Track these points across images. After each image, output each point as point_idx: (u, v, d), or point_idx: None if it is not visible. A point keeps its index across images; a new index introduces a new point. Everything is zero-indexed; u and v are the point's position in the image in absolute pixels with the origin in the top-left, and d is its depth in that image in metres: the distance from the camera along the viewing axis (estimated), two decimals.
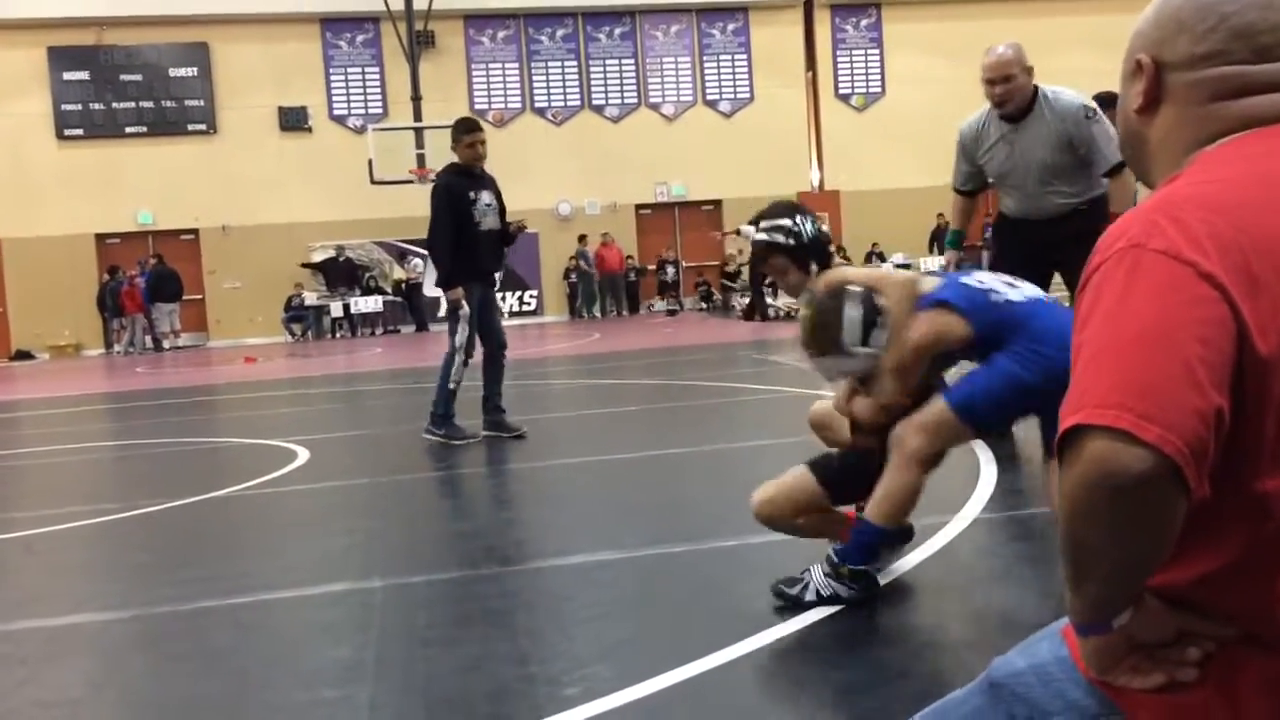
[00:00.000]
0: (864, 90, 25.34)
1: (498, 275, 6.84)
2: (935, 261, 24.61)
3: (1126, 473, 0.96)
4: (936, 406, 2.89)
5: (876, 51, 25.52)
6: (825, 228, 3.23)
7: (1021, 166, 4.82)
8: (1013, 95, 4.71)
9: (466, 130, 6.56)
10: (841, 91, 25.39)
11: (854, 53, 25.32)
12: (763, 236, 3.16)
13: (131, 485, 6.14)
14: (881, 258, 25.11)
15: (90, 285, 22.27)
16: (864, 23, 25.53)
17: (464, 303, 6.38)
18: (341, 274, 23.11)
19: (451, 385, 6.52)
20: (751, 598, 3.10)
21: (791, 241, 3.11)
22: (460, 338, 6.40)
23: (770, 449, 5.50)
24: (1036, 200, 4.88)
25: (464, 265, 6.38)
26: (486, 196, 6.48)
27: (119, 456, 7.49)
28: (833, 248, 3.27)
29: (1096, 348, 1.01)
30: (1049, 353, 2.73)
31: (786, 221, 3.14)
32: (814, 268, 3.10)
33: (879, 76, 25.42)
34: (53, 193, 22.22)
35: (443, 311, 7.58)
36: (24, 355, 22.11)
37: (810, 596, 2.97)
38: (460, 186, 6.41)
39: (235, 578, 3.80)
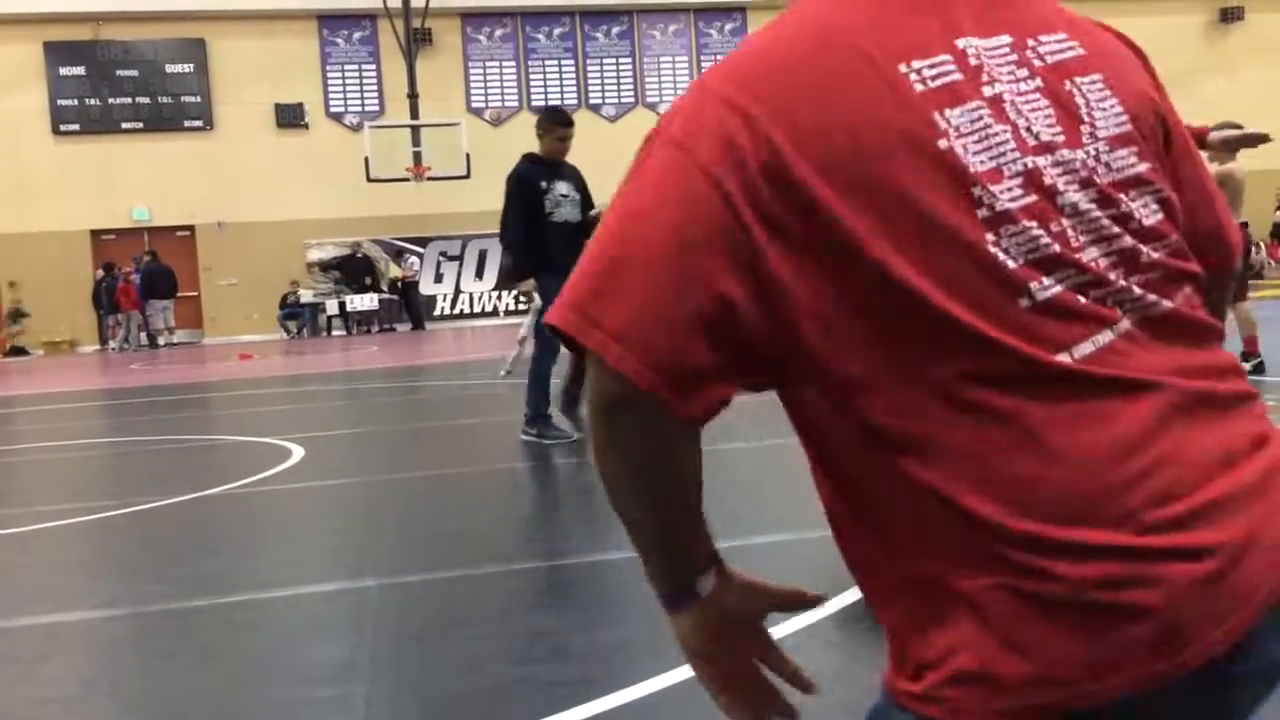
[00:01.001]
0: None
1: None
2: None
3: (601, 392, 0.90)
4: None
5: None
6: None
7: None
8: None
9: (558, 122, 6.35)
10: None
11: None
12: None
13: (126, 482, 6.13)
14: None
15: (86, 282, 22.23)
16: None
17: (535, 295, 6.14)
18: (360, 270, 23.14)
19: (556, 379, 6.25)
20: None
21: None
22: (525, 328, 6.24)
23: (766, 449, 5.50)
24: None
25: (535, 256, 6.14)
26: (563, 187, 6.26)
27: (114, 453, 7.48)
28: None
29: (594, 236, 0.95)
30: None
31: None
32: None
33: None
34: (48, 189, 22.17)
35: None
36: (19, 351, 22.07)
37: None
38: (534, 175, 6.21)
39: (229, 576, 3.79)
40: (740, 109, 0.92)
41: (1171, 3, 24.80)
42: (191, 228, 23.08)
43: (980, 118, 0.95)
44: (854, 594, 3.04)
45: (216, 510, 5.06)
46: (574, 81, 24.45)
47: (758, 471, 5.15)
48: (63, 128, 22.48)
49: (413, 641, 2.97)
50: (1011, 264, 0.91)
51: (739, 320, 0.89)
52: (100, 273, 21.96)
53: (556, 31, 24.40)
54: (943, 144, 0.92)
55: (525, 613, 3.17)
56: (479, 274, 24.17)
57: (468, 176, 20.49)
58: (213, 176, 22.68)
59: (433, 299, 24.03)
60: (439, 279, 24.06)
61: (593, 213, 6.31)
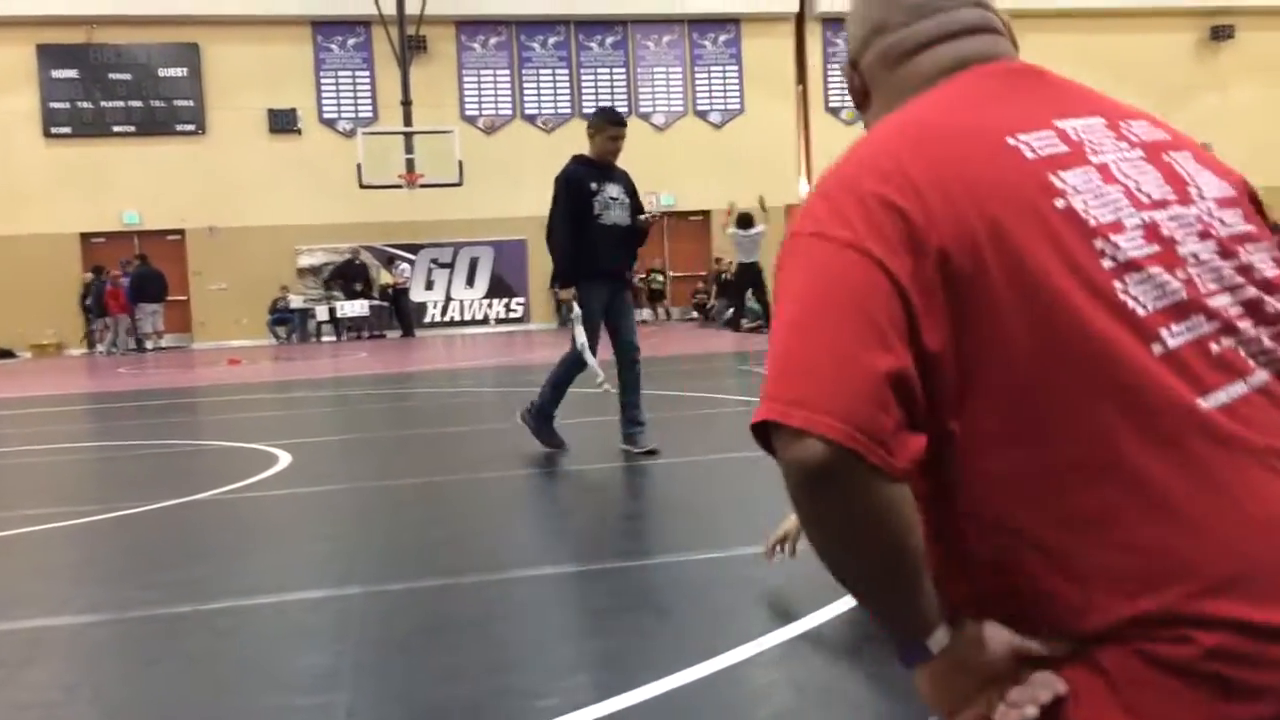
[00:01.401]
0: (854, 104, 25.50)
1: (629, 274, 6.30)
2: None
3: (800, 465, 0.91)
4: None
5: None
6: None
7: None
8: None
9: (609, 122, 6.12)
10: (832, 105, 25.51)
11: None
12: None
13: (110, 487, 6.11)
14: None
15: (74, 284, 22.16)
16: None
17: (575, 304, 5.94)
18: (357, 275, 23.13)
19: (603, 381, 6.09)
20: (734, 610, 3.11)
21: None
22: (580, 339, 5.91)
23: (759, 461, 5.51)
24: None
25: (582, 261, 5.96)
26: (613, 189, 6.05)
27: (98, 458, 7.45)
28: None
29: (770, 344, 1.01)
30: None
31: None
32: None
33: None
34: (38, 191, 22.11)
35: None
36: (5, 354, 21.98)
37: None
38: (583, 176, 5.99)
39: (213, 582, 3.78)
40: (875, 193, 0.99)
41: (1164, 19, 24.97)
42: (182, 232, 23.04)
43: (1091, 179, 1.00)
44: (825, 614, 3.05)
45: (202, 516, 5.04)
46: (568, 91, 24.49)
47: (742, 484, 5.15)
48: (54, 130, 22.44)
49: (396, 649, 2.97)
50: (1141, 311, 0.94)
51: (911, 381, 0.93)
52: (89, 276, 21.89)
53: (551, 41, 24.45)
54: (1060, 203, 0.98)
55: (506, 623, 3.17)
56: (470, 281, 24.17)
57: (460, 184, 20.51)
58: (204, 181, 22.65)
59: (423, 306, 24.01)
60: (430, 286, 24.05)
61: (642, 218, 6.15)
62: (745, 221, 17.21)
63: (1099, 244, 0.96)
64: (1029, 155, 1.00)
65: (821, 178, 1.06)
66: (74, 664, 3.09)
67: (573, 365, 6.08)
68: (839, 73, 25.69)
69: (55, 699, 2.77)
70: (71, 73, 22.47)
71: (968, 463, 0.96)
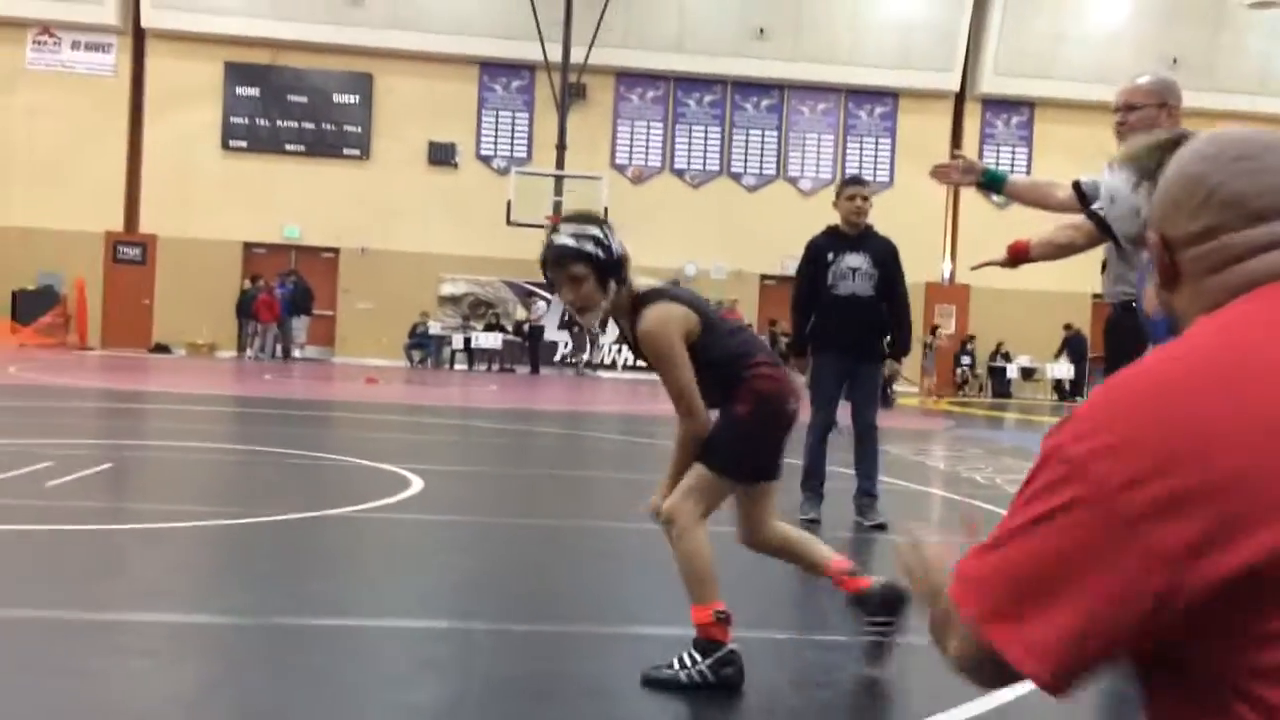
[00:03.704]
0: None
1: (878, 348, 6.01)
2: (1063, 368, 24.04)
3: (994, 674, 1.04)
4: None
5: (1025, 150, 25.23)
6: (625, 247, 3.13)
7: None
8: (1134, 130, 3.68)
9: (845, 183, 6.10)
10: None
11: (1001, 149, 25.08)
12: (570, 241, 3.04)
13: (251, 491, 6.36)
14: (1007, 357, 24.60)
15: (232, 290, 23.29)
16: (1015, 120, 25.31)
17: (800, 372, 5.84)
18: (504, 307, 23.99)
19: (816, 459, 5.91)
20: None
21: (600, 253, 3.03)
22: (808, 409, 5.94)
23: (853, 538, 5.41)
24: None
25: (816, 331, 5.91)
26: (855, 259, 5.86)
27: (241, 460, 7.78)
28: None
29: (1009, 554, 1.02)
30: None
31: (596, 231, 3.06)
32: (612, 285, 3.06)
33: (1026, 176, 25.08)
34: (210, 199, 23.38)
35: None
36: (162, 349, 23.18)
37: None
38: (821, 245, 5.96)
39: (345, 598, 3.90)
40: (1145, 462, 0.95)
41: None
42: (336, 250, 24.03)
43: None
44: None
45: (337, 531, 5.21)
46: (718, 148, 24.76)
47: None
48: (232, 144, 23.74)
49: (516, 694, 3.00)
50: None
51: (1123, 646, 0.99)
52: (247, 283, 22.99)
53: (707, 99, 24.80)
54: None
55: (617, 679, 3.17)
56: (603, 325, 24.44)
57: None
58: (362, 203, 23.61)
59: (554, 345, 24.41)
60: (564, 325, 24.45)
61: (887, 373, 6.10)
62: None
63: None
64: None
65: (1109, 394, 1.03)
66: (211, 663, 3.22)
67: (814, 449, 5.93)
68: (994, 154, 25.48)
69: (194, 696, 2.89)
70: (253, 91, 23.80)
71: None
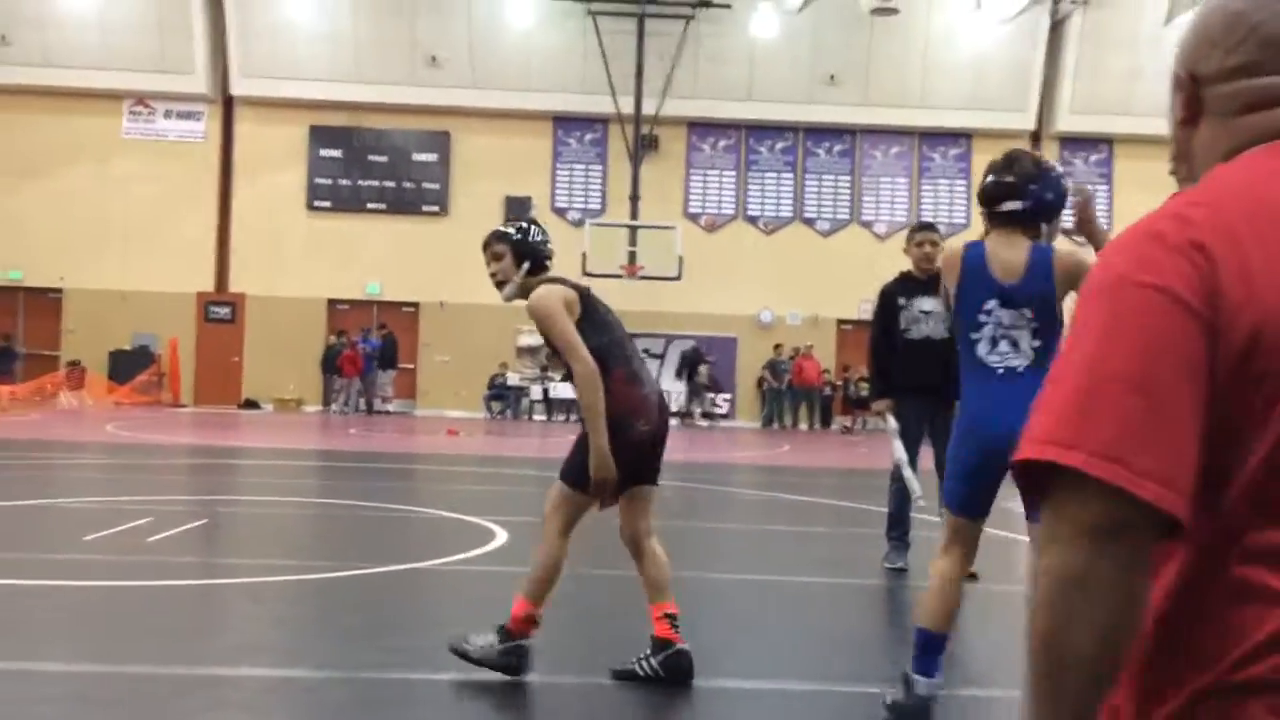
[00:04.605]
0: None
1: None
2: None
3: (1120, 533, 0.89)
4: None
5: (1105, 188, 24.82)
6: (550, 248, 3.95)
7: None
8: None
9: (914, 229, 6.29)
10: (1064, 226, 24.75)
11: None
12: (501, 228, 3.92)
13: (340, 545, 6.50)
14: None
15: (317, 345, 23.87)
16: (1094, 158, 24.95)
17: (889, 417, 5.88)
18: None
19: (920, 501, 5.84)
20: None
21: (518, 236, 3.85)
22: (897, 454, 5.78)
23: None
24: None
25: (894, 376, 5.97)
26: (927, 303, 5.90)
27: (329, 514, 7.94)
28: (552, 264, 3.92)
29: (1079, 381, 0.95)
30: None
31: (523, 224, 3.95)
32: (525, 266, 3.81)
33: (1105, 214, 24.66)
34: (296, 258, 24.08)
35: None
36: (251, 404, 23.81)
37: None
38: (893, 291, 6.09)
39: (439, 652, 3.96)
40: (1188, 243, 0.98)
41: None
42: (416, 304, 24.52)
43: None
44: None
45: (427, 584, 5.30)
46: (791, 195, 24.81)
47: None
48: (316, 204, 24.46)
49: None
50: None
51: (1199, 440, 0.92)
52: (333, 339, 23.58)
53: (779, 146, 24.90)
54: None
55: None
56: (679, 374, 24.52)
57: (679, 278, 20.99)
58: (441, 258, 24.09)
59: None
60: (679, 375, 24.50)
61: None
62: None
63: None
64: None
65: (1144, 223, 1.04)
66: (309, 718, 3.30)
67: (898, 496, 5.91)
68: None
69: None
70: (336, 152, 24.55)
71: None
